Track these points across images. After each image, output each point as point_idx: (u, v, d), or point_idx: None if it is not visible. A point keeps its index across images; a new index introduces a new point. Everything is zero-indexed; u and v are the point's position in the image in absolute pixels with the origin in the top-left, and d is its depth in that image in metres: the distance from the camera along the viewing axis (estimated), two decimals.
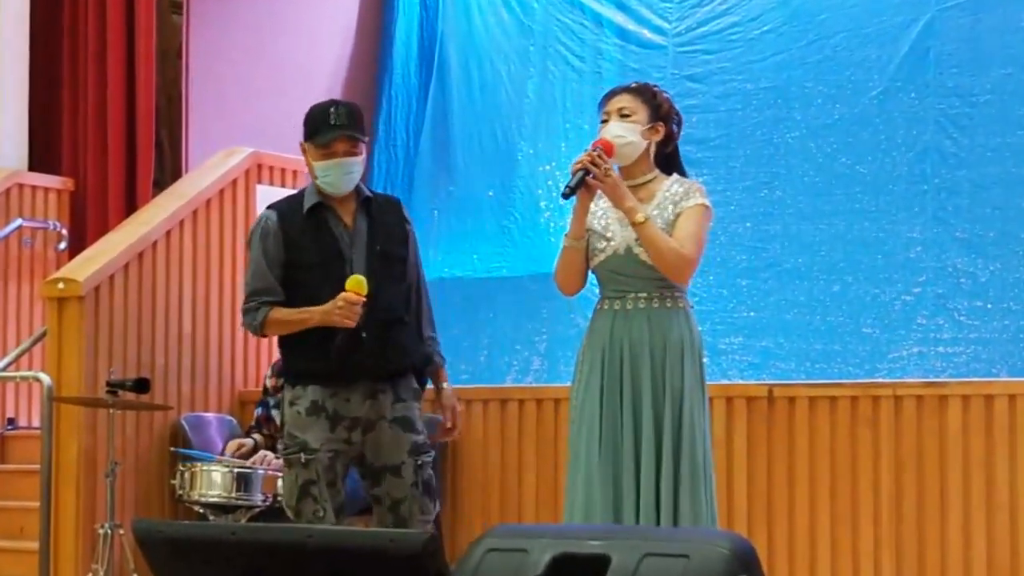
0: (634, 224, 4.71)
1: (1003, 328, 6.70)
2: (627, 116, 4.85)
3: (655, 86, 4.99)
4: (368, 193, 5.15)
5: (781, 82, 7.37)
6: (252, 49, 7.96)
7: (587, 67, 7.89)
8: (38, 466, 6.44)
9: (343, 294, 4.88)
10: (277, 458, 5.96)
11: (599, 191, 4.77)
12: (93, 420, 6.39)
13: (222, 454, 6.47)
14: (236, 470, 6.07)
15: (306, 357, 5.02)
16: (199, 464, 6.11)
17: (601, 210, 4.86)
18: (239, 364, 7.11)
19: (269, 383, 6.56)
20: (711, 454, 4.82)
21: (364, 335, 4.94)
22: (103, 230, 7.34)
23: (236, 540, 3.14)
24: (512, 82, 8.06)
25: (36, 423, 7.17)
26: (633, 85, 4.99)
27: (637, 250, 4.77)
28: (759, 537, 6.12)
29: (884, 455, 6.08)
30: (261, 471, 6.10)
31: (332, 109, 5.04)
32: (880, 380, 6.53)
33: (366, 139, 5.13)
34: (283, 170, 7.45)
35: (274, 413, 6.43)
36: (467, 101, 8.14)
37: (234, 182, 7.22)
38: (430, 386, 5.20)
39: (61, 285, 6.45)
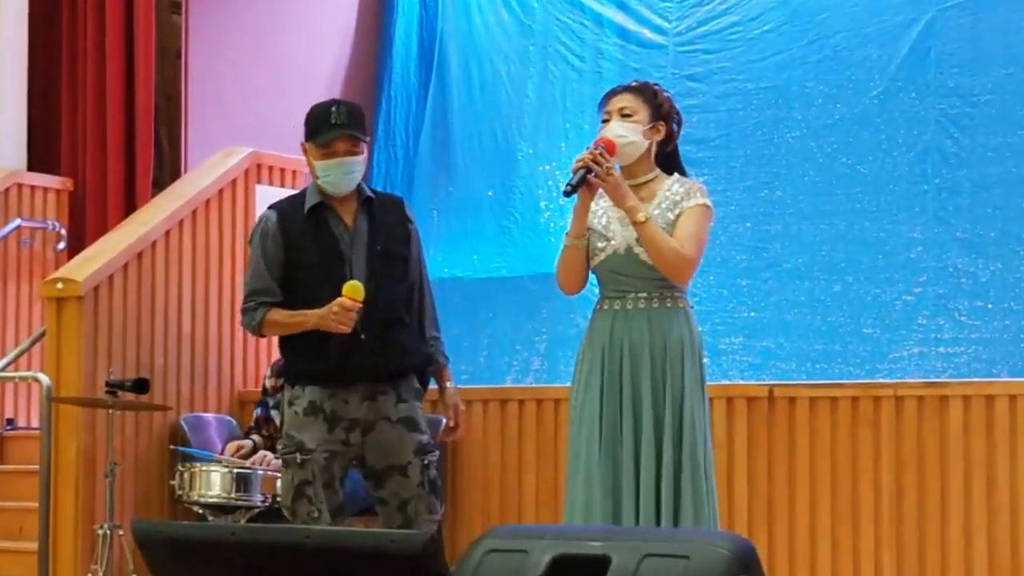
0: (635, 223, 4.70)
1: (1004, 328, 6.70)
2: (628, 116, 4.84)
3: (656, 85, 4.98)
4: (369, 193, 5.14)
5: (781, 82, 7.36)
6: (251, 49, 7.95)
7: (587, 67, 7.88)
8: (37, 466, 6.42)
9: (339, 300, 4.86)
10: (276, 458, 5.95)
11: (600, 190, 4.76)
12: (92, 420, 6.38)
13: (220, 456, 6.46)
14: (235, 471, 6.06)
15: (306, 358, 5.01)
16: (198, 465, 6.10)
17: (602, 209, 4.85)
18: (238, 364, 7.11)
19: (268, 383, 6.55)
20: (711, 454, 4.81)
21: (363, 336, 4.93)
22: (102, 230, 7.33)
23: (235, 541, 3.14)
24: (512, 82, 8.05)
25: (35, 423, 7.16)
26: (634, 84, 4.98)
27: (637, 250, 4.76)
28: (759, 537, 6.11)
29: (885, 455, 6.07)
30: (260, 472, 6.09)
31: (333, 108, 5.04)
32: (881, 380, 6.53)
33: (367, 139, 5.12)
34: (283, 170, 7.43)
35: (273, 414, 6.42)
36: (467, 101, 8.14)
37: (233, 182, 7.21)
38: (433, 386, 5.19)
39: (60, 285, 6.44)
